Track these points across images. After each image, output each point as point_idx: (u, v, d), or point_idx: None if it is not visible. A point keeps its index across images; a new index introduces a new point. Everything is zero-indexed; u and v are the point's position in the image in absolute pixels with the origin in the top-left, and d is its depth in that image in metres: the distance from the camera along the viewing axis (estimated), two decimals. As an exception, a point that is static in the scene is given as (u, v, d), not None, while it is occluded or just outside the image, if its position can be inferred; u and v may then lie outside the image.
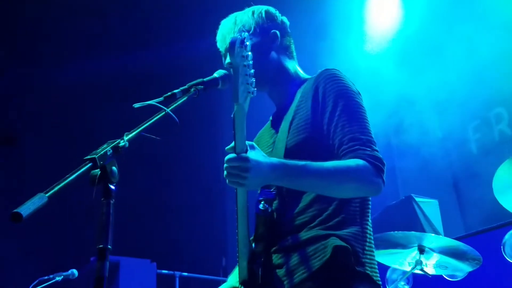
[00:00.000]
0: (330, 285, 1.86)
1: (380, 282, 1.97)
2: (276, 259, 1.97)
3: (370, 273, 1.93)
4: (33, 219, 1.27)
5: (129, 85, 6.43)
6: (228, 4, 2.43)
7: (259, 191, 2.09)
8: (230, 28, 2.25)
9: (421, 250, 3.32)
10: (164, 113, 1.70)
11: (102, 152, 1.45)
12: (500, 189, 3.12)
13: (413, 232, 3.30)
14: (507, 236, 3.91)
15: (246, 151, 1.79)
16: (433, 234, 3.34)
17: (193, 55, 5.71)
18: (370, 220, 2.05)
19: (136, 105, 1.73)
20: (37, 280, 4.31)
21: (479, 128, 5.56)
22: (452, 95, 5.65)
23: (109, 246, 1.46)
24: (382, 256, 3.50)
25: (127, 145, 1.52)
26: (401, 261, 3.51)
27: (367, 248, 1.96)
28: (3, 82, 6.20)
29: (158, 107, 1.70)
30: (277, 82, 2.24)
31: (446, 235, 4.27)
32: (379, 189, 1.91)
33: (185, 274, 5.63)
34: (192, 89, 1.89)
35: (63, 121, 6.68)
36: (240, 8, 2.34)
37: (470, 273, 3.51)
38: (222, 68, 2.10)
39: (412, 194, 4.67)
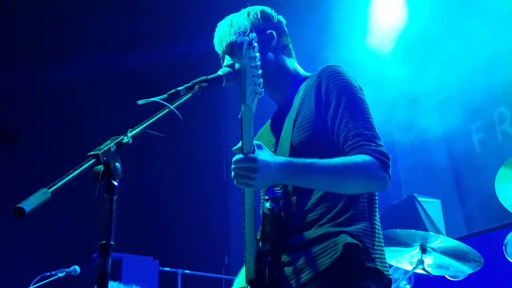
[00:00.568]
0: (341, 282, 1.86)
1: (391, 277, 1.97)
2: (283, 257, 1.97)
3: (381, 268, 1.93)
4: (35, 215, 1.27)
5: (133, 83, 6.44)
6: (227, 3, 2.42)
7: (265, 190, 2.09)
8: (226, 31, 2.25)
9: (423, 250, 3.32)
10: (167, 110, 1.70)
11: (105, 148, 1.45)
12: (502, 189, 3.12)
13: (415, 230, 3.30)
14: (508, 237, 3.91)
15: (253, 151, 1.79)
16: (435, 233, 3.34)
17: (195, 54, 5.71)
18: (378, 216, 2.05)
19: (140, 102, 1.74)
20: (39, 276, 4.31)
21: (482, 128, 5.55)
22: (455, 94, 5.65)
23: (111, 243, 1.46)
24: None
25: (130, 141, 1.52)
26: (403, 260, 3.51)
27: (376, 243, 1.97)
28: (5, 79, 6.21)
29: (161, 104, 1.70)
30: (277, 82, 2.24)
31: (448, 235, 4.26)
32: (386, 183, 1.92)
33: (188, 271, 5.64)
34: (196, 86, 1.88)
35: (66, 117, 6.70)
36: (240, 6, 2.34)
37: (471, 273, 3.50)
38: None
39: (415, 194, 4.68)
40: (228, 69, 2.08)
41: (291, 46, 2.34)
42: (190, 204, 6.89)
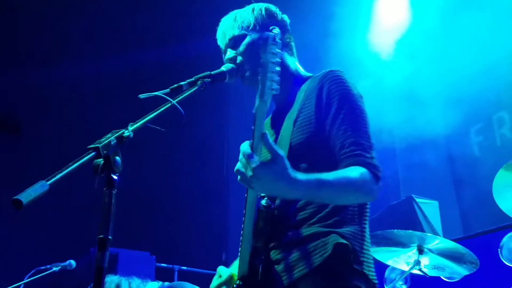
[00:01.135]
0: (329, 281, 1.88)
1: (377, 282, 1.99)
2: (274, 254, 1.98)
3: (367, 272, 1.95)
4: (33, 208, 1.27)
5: (135, 79, 6.42)
6: (230, 3, 2.42)
7: None
8: (230, 25, 2.25)
9: (420, 250, 3.33)
10: (169, 105, 1.70)
11: (106, 142, 1.45)
12: (500, 192, 3.12)
13: (413, 231, 3.31)
14: (504, 239, 3.91)
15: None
16: (432, 235, 3.34)
17: (198, 53, 5.69)
18: (368, 221, 2.06)
19: (142, 96, 1.73)
20: (34, 270, 4.29)
21: (482, 131, 5.56)
22: (456, 96, 5.65)
23: (109, 237, 1.46)
24: (381, 254, 3.51)
25: (131, 135, 1.52)
26: (400, 260, 3.51)
27: (365, 247, 1.98)
28: (9, 74, 6.20)
29: (164, 98, 1.70)
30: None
31: (444, 236, 4.27)
32: (375, 197, 1.94)
33: (184, 268, 5.63)
34: (199, 81, 1.89)
35: (69, 110, 6.68)
36: (242, 6, 2.34)
37: (467, 275, 3.51)
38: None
39: (413, 195, 4.68)
40: (231, 65, 2.09)
41: (293, 44, 2.33)
42: (189, 200, 6.89)
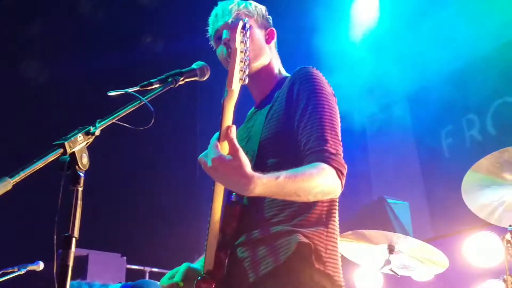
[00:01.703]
0: (291, 280, 1.87)
1: (343, 283, 1.97)
2: (240, 252, 1.97)
3: (332, 273, 1.94)
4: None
5: (107, 78, 6.33)
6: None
7: None
8: (232, 9, 2.22)
9: (391, 250, 3.35)
10: (139, 102, 1.67)
11: (72, 138, 1.42)
12: (469, 193, 3.17)
13: (384, 231, 3.33)
14: (473, 240, 3.98)
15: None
16: (403, 235, 3.38)
17: (182, 52, 5.62)
18: (336, 221, 2.05)
19: (111, 93, 1.71)
20: (0, 271, 4.18)
21: (451, 133, 5.64)
22: (427, 99, 5.73)
23: (75, 235, 1.43)
24: (352, 253, 3.53)
25: (98, 132, 1.49)
26: (371, 260, 3.54)
27: (330, 248, 1.97)
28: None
29: (133, 95, 1.67)
30: (261, 76, 2.24)
31: (415, 236, 4.31)
32: (338, 193, 1.93)
33: (156, 269, 5.59)
34: (170, 79, 1.87)
35: (35, 106, 6.55)
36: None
37: (437, 274, 3.56)
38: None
39: (385, 196, 4.73)
40: (203, 63, 2.07)
41: (277, 50, 2.37)
42: (161, 201, 6.83)
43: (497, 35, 4.96)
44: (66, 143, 1.39)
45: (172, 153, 6.95)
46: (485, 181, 3.09)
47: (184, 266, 2.11)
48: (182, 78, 1.92)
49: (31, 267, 4.20)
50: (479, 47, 5.21)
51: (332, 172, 1.87)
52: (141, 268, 5.56)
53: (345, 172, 1.92)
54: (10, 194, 1.28)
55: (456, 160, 5.38)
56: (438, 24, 5.21)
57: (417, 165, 5.95)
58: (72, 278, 1.47)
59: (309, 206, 1.97)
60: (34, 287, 4.70)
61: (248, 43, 1.73)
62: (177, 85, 1.89)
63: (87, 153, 1.45)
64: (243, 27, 1.71)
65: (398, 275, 3.48)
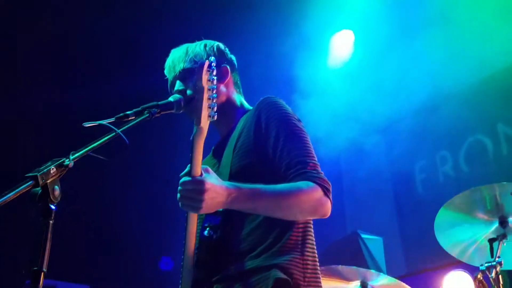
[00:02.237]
0: None
1: None
2: None
3: None
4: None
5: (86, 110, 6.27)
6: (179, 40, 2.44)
7: (203, 217, 2.07)
8: (181, 57, 2.28)
9: (364, 287, 3.34)
10: (114, 134, 1.67)
11: (45, 170, 1.40)
12: (441, 230, 3.19)
13: (357, 267, 3.33)
14: (446, 277, 4.00)
15: (201, 175, 1.78)
16: (376, 271, 3.38)
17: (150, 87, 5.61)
18: (313, 246, 2.06)
19: (86, 124, 1.70)
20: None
21: (425, 168, 5.72)
22: (401, 134, 5.81)
23: (44, 269, 1.40)
24: (325, 290, 3.50)
25: (72, 164, 1.48)
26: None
27: (308, 274, 1.97)
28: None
29: (108, 127, 1.67)
30: (224, 114, 2.26)
31: (388, 272, 4.32)
32: (328, 209, 1.96)
33: (124, 301, 5.47)
34: (146, 111, 1.87)
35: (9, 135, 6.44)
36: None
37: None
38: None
39: (358, 230, 4.74)
40: (179, 96, 2.09)
41: (240, 83, 2.41)
42: (131, 232, 6.71)
43: (470, 72, 5.07)
44: (38, 175, 1.38)
45: (142, 183, 6.87)
46: (457, 219, 3.12)
47: None
48: (158, 111, 1.93)
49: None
50: (451, 84, 5.33)
51: (319, 189, 1.91)
52: (110, 300, 5.43)
53: (330, 190, 1.96)
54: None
55: (429, 196, 5.44)
56: (410, 59, 5.31)
57: (391, 199, 6.00)
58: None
59: (284, 233, 1.98)
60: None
61: (215, 81, 1.78)
62: (153, 117, 1.89)
63: (59, 185, 1.44)
64: (209, 66, 1.76)
65: (371, 312, 3.47)
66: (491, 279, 2.84)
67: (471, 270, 3.52)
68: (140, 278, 6.54)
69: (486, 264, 2.85)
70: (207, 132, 1.85)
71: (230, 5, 5.36)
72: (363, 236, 4.69)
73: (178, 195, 1.78)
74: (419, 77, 5.24)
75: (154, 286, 6.79)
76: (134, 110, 1.86)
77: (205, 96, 1.75)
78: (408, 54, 5.33)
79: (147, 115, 1.87)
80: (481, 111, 5.09)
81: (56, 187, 1.43)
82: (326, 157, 5.56)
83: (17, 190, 1.34)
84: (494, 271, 2.83)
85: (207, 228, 1.98)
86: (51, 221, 1.41)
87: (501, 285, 2.84)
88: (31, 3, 5.42)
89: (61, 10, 5.52)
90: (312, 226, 2.09)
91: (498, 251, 2.92)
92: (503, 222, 3.01)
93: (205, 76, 1.75)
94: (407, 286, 3.27)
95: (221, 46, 2.39)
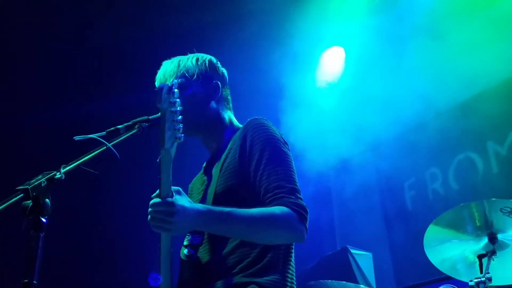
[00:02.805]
0: None
1: None
2: None
3: None
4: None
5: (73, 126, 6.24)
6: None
7: (188, 236, 2.07)
8: (172, 71, 2.28)
9: (353, 302, 3.35)
10: (105, 147, 1.68)
11: (36, 183, 1.41)
12: (430, 246, 3.21)
13: (347, 283, 3.33)
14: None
15: (172, 196, 1.77)
16: (365, 287, 3.38)
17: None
18: (293, 267, 2.06)
19: (77, 138, 1.71)
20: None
21: (414, 185, 5.74)
22: (390, 151, 5.84)
23: (34, 282, 1.40)
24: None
25: (63, 177, 1.49)
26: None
27: None
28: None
29: (99, 141, 1.68)
30: (211, 130, 2.28)
31: (378, 288, 4.32)
32: (302, 236, 1.93)
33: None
34: (136, 126, 1.88)
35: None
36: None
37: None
38: None
39: (348, 246, 4.74)
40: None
41: (230, 98, 2.40)
42: (120, 247, 6.66)
43: (460, 90, 5.12)
44: (29, 188, 1.38)
45: (134, 196, 6.82)
46: (446, 235, 3.14)
47: None
48: (148, 125, 1.94)
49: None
50: (441, 102, 5.38)
51: (293, 214, 1.89)
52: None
53: (307, 215, 1.94)
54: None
55: (419, 213, 5.47)
56: (400, 76, 5.35)
57: (380, 216, 6.02)
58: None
59: (265, 253, 1.97)
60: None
61: (178, 103, 1.76)
62: (143, 132, 1.90)
63: (50, 198, 1.44)
64: (170, 89, 1.73)
65: (360, 327, 3.47)
66: (480, 295, 2.85)
67: (461, 286, 3.53)
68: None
69: (476, 280, 2.87)
70: (198, 147, 1.85)
71: (219, 18, 5.39)
72: (353, 251, 4.68)
73: (149, 216, 1.78)
74: (409, 94, 5.28)
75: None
76: (124, 124, 1.87)
77: (166, 118, 1.73)
78: (398, 71, 5.38)
79: (138, 129, 1.88)
80: (471, 128, 5.12)
81: (47, 200, 1.43)
82: (316, 173, 5.58)
83: (7, 202, 1.34)
84: (483, 286, 2.84)
85: (187, 247, 1.98)
86: (41, 234, 1.41)
87: (490, 301, 2.85)
88: (21, 16, 5.44)
89: (53, 24, 5.54)
90: (293, 248, 2.08)
91: (488, 267, 2.94)
92: (492, 238, 3.03)
93: (166, 99, 1.72)
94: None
95: (213, 60, 2.38)
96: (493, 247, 3.02)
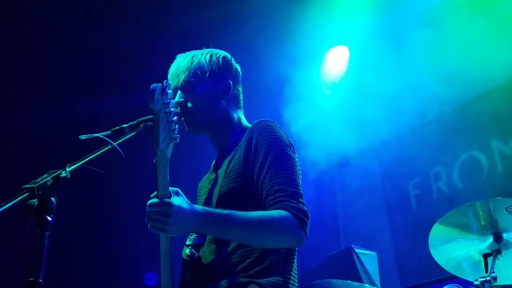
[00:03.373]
0: None
1: None
2: None
3: None
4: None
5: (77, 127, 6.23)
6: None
7: (191, 236, 2.07)
8: (184, 66, 2.25)
9: (358, 302, 3.34)
10: (110, 146, 1.68)
11: (41, 182, 1.41)
12: (435, 245, 3.20)
13: (351, 282, 3.33)
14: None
15: (169, 197, 1.76)
16: (370, 286, 3.37)
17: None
18: (294, 271, 2.04)
19: (82, 137, 1.71)
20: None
21: (419, 185, 5.73)
22: (395, 151, 5.83)
23: (40, 280, 1.40)
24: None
25: (68, 176, 1.49)
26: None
27: None
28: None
29: (104, 140, 1.68)
30: (220, 129, 2.26)
31: (382, 287, 4.32)
32: (301, 241, 1.90)
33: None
34: (141, 125, 1.88)
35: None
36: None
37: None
38: None
39: (352, 245, 4.73)
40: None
41: (241, 97, 2.37)
42: (116, 246, 6.66)
43: (465, 89, 5.11)
44: (35, 187, 1.38)
45: (128, 199, 6.83)
46: (451, 234, 3.13)
47: None
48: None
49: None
50: (446, 101, 5.37)
51: (293, 218, 1.87)
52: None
53: (308, 220, 1.91)
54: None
55: (423, 212, 5.45)
56: (406, 73, 5.35)
57: (385, 215, 6.01)
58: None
59: (266, 255, 1.96)
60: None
61: (172, 104, 1.73)
62: (148, 131, 1.90)
63: (55, 197, 1.44)
64: (163, 90, 1.70)
65: (365, 327, 3.46)
66: (485, 295, 2.85)
67: (466, 285, 3.52)
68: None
69: (481, 279, 2.86)
70: (206, 145, 1.83)
71: (222, 17, 5.39)
72: (357, 251, 4.68)
73: (147, 216, 1.77)
74: (414, 93, 5.27)
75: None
76: (129, 123, 1.87)
77: (160, 119, 1.70)
78: (403, 70, 5.37)
79: (143, 128, 1.87)
80: (476, 127, 5.11)
81: (53, 198, 1.43)
82: (320, 173, 5.58)
83: (13, 201, 1.34)
84: (488, 286, 2.84)
85: (189, 247, 1.98)
86: (47, 233, 1.41)
87: (495, 300, 2.85)
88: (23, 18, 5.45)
89: (53, 25, 5.55)
90: (296, 250, 2.07)
91: (493, 266, 2.93)
92: (497, 238, 3.03)
93: (159, 101, 1.70)
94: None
95: (228, 57, 2.35)
96: (498, 246, 3.02)
